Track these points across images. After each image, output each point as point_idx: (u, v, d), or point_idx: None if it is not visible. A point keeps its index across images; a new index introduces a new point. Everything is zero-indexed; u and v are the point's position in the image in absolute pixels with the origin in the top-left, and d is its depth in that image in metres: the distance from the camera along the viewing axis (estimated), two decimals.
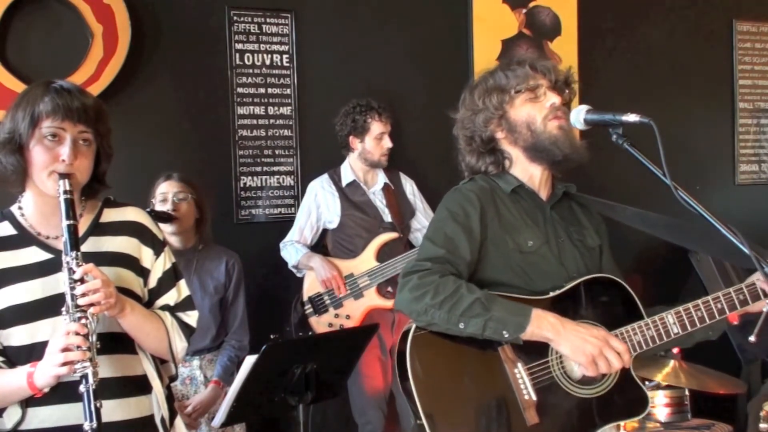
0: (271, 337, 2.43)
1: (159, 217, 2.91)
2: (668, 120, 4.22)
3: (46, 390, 1.62)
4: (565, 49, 4.34)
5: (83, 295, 1.59)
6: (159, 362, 1.85)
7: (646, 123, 1.61)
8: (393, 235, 3.58)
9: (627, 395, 1.89)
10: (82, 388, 1.56)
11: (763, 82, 4.86)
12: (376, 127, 3.58)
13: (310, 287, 3.53)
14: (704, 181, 4.56)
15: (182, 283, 1.91)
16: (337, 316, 3.50)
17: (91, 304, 1.60)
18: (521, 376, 1.81)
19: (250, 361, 2.25)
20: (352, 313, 3.50)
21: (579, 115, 1.81)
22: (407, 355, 1.78)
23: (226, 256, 3.14)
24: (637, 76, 4.54)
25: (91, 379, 1.56)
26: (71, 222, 1.64)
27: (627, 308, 1.92)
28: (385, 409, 3.58)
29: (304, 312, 3.52)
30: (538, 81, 1.94)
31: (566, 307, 1.85)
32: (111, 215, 1.81)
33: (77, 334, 1.57)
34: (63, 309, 1.60)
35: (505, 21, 4.26)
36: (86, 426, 1.55)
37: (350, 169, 3.67)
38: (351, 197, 3.62)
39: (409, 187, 3.78)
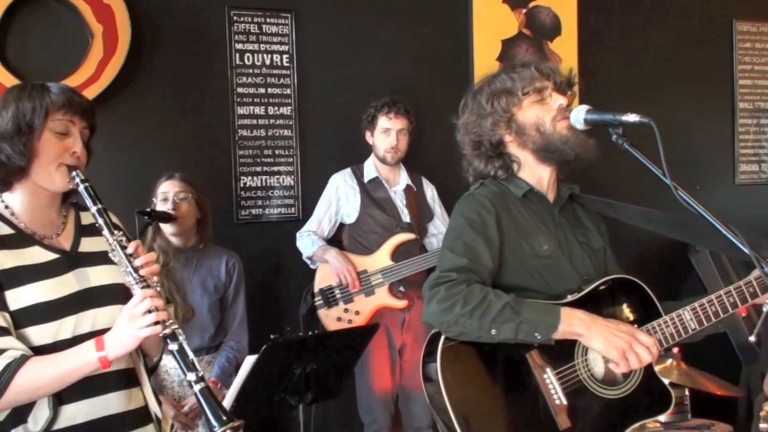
0: (271, 337, 2.43)
1: (159, 216, 2.92)
2: (668, 120, 4.22)
3: (114, 360, 1.63)
4: (565, 49, 4.34)
5: (142, 266, 1.65)
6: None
7: (646, 123, 1.60)
8: (410, 236, 3.57)
9: (651, 394, 1.90)
10: (173, 345, 1.60)
11: (763, 82, 4.87)
12: (382, 121, 3.59)
13: (323, 279, 3.51)
14: (704, 181, 4.57)
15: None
16: (346, 311, 3.49)
17: (152, 273, 1.66)
18: (551, 381, 1.81)
19: (250, 360, 2.25)
20: (362, 309, 3.49)
21: (579, 115, 1.81)
22: (438, 367, 1.78)
23: (226, 256, 3.14)
24: (637, 76, 4.54)
25: (181, 336, 1.61)
26: (101, 206, 1.69)
27: (645, 307, 1.93)
28: (392, 409, 3.57)
29: (313, 303, 3.50)
30: (544, 83, 1.95)
31: (588, 310, 1.85)
32: (88, 217, 1.81)
33: (153, 297, 1.61)
34: (130, 279, 1.64)
35: (505, 21, 4.27)
36: (190, 376, 1.58)
37: (373, 166, 3.67)
38: (372, 193, 3.62)
39: (430, 191, 3.78)
